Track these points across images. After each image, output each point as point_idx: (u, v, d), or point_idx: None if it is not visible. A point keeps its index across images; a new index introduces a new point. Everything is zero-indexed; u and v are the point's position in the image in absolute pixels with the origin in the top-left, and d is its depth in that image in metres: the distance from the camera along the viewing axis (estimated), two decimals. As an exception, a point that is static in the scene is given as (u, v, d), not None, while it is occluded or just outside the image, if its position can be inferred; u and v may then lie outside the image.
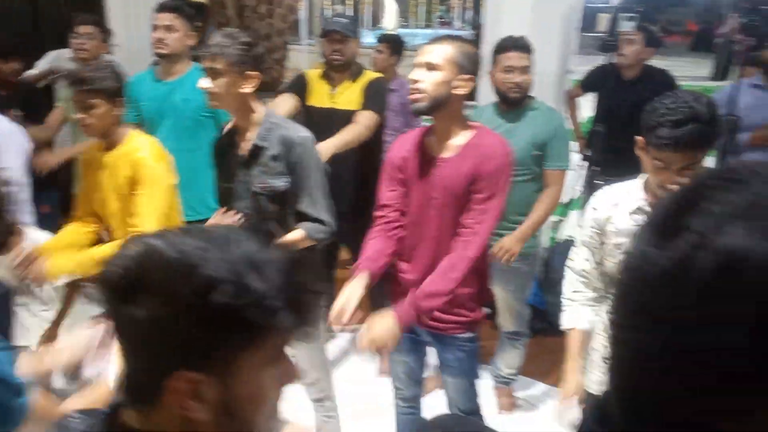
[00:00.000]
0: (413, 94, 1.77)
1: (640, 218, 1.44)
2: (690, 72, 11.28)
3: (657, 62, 3.72)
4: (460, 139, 1.82)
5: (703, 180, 0.40)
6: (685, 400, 0.37)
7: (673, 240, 0.37)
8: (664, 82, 3.55)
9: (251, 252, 0.68)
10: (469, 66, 1.78)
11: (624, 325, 0.41)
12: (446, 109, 1.78)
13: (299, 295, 0.70)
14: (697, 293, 0.35)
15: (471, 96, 3.27)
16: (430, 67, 1.75)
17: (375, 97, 2.75)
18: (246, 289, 0.65)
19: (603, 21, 16.26)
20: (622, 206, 1.72)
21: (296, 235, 1.95)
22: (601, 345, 1.85)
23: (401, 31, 12.91)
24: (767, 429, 0.34)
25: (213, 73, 1.85)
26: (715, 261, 0.35)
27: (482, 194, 1.77)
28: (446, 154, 1.83)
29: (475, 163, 1.77)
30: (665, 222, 0.39)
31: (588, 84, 3.80)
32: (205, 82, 1.86)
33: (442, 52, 1.76)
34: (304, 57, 6.51)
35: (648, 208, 1.68)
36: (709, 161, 1.98)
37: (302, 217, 1.96)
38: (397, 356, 2.07)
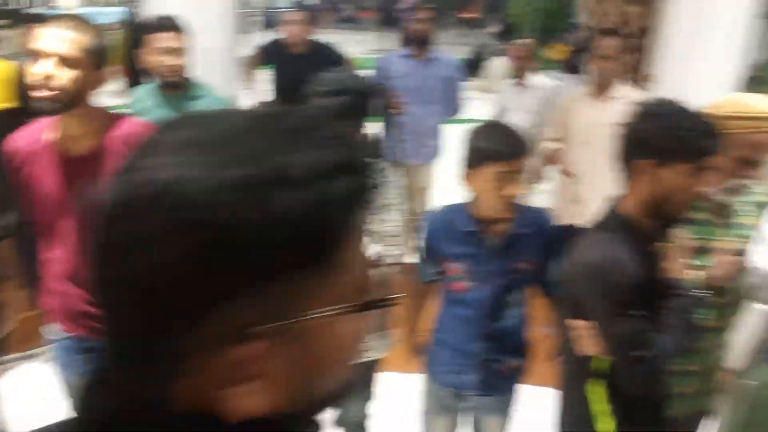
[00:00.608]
0: (40, 91, 1.48)
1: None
2: (378, 45, 12.41)
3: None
4: (98, 134, 1.62)
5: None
6: (139, 319, 0.41)
7: (128, 178, 0.42)
8: (329, 55, 3.87)
9: None
10: (105, 56, 1.58)
11: (94, 258, 0.44)
12: (80, 107, 1.56)
13: None
14: (138, 221, 0.40)
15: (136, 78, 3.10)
16: (65, 60, 1.49)
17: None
18: None
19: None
20: None
21: None
22: None
23: (85, 10, 11.59)
24: (216, 333, 0.40)
25: None
26: (152, 191, 0.40)
27: None
28: (85, 152, 1.63)
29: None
30: (128, 165, 0.44)
31: (261, 58, 3.96)
32: None
33: (78, 42, 1.50)
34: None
35: None
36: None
37: None
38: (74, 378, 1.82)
